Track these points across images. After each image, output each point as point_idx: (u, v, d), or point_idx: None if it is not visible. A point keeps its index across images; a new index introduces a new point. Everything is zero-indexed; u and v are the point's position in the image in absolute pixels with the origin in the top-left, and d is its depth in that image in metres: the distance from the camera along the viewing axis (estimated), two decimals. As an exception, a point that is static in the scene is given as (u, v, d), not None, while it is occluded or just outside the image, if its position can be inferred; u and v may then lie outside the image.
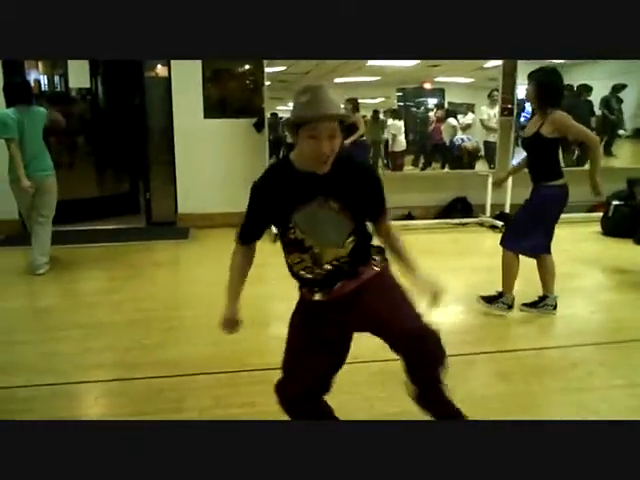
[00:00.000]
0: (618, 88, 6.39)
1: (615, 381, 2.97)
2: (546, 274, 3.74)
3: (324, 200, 1.90)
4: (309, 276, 2.03)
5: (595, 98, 6.33)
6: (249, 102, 6.16)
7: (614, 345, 3.40)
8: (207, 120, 6.07)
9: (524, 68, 5.28)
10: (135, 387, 2.91)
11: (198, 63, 5.93)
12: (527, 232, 3.64)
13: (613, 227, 5.84)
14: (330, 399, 2.79)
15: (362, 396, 2.63)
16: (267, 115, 5.73)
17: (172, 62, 5.91)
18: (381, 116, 6.09)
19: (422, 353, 1.87)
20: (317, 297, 2.05)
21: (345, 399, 2.77)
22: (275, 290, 4.51)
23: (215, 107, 6.15)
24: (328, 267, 1.99)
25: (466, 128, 6.23)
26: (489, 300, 3.80)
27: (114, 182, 7.25)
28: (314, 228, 1.94)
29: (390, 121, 6.10)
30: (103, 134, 6.80)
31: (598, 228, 5.99)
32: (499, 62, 6.04)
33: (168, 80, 5.97)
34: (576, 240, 5.63)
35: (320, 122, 1.76)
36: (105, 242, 5.63)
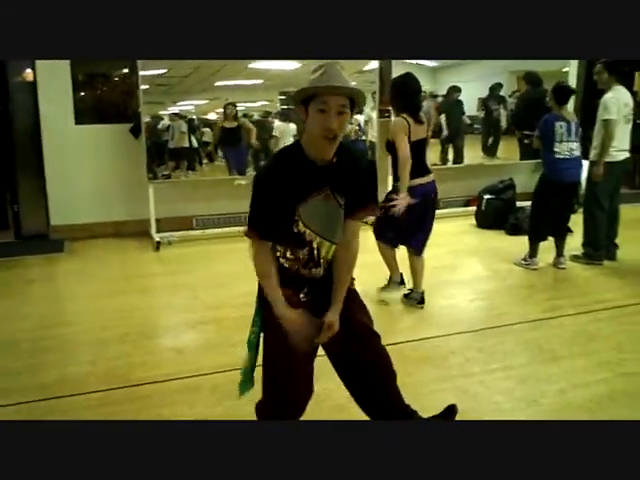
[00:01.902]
0: (495, 87, 6.76)
1: (491, 365, 3.14)
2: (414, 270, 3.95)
3: (332, 193, 1.85)
4: (302, 272, 1.94)
5: (465, 98, 6.68)
6: (125, 107, 5.91)
7: (491, 331, 3.59)
8: (79, 126, 5.74)
9: (398, 70, 5.46)
10: (2, 416, 2.67)
11: (66, 67, 5.59)
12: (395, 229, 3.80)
13: (486, 220, 6.18)
14: (218, 405, 2.74)
15: (250, 401, 2.57)
16: (144, 120, 5.52)
17: (38, 66, 5.53)
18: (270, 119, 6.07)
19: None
20: (302, 297, 1.96)
21: (232, 406, 2.72)
22: (158, 300, 4.37)
23: (88, 112, 5.83)
24: (324, 265, 1.94)
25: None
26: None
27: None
28: (318, 221, 1.86)
29: (277, 123, 6.07)
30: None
31: (473, 221, 6.31)
32: (376, 65, 6.21)
33: (34, 84, 5.59)
34: (454, 233, 5.90)
35: (331, 95, 1.72)
36: (-32, 260, 5.16)
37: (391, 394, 2.10)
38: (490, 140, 6.92)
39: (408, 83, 3.76)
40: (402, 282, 4.03)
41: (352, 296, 2.06)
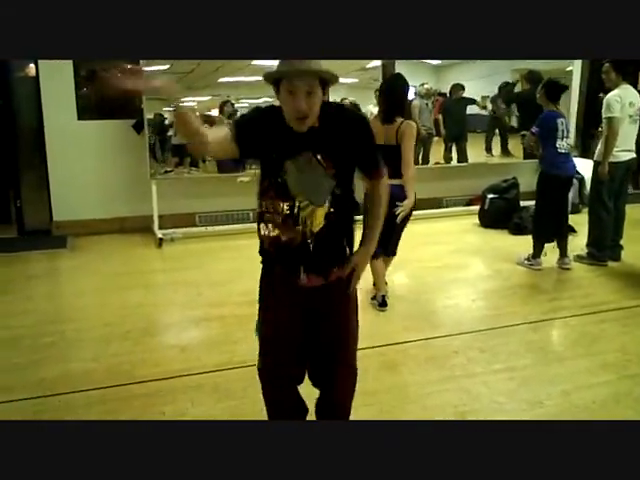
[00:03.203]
0: (503, 86, 6.74)
1: (494, 366, 3.12)
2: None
3: (312, 155, 1.85)
4: (283, 238, 1.91)
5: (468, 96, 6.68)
6: (127, 103, 5.89)
7: (493, 331, 3.57)
8: (82, 122, 5.74)
9: (402, 69, 5.44)
10: (4, 412, 2.67)
11: (69, 62, 5.59)
12: None
13: (489, 219, 6.16)
14: (220, 403, 2.74)
15: (251, 400, 2.57)
16: (146, 116, 5.51)
17: (40, 61, 5.53)
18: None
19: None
20: (303, 277, 1.95)
21: (234, 404, 2.72)
22: (161, 297, 4.36)
23: (91, 108, 5.82)
24: (305, 231, 1.91)
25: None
26: None
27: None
28: (301, 179, 1.87)
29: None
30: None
31: (476, 220, 6.29)
32: (379, 63, 6.20)
33: (36, 80, 5.58)
34: (456, 232, 5.89)
35: (297, 77, 1.73)
36: (-30, 256, 5.16)
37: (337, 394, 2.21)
38: (500, 139, 6.92)
39: (388, 84, 3.83)
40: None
41: (353, 294, 2.07)
